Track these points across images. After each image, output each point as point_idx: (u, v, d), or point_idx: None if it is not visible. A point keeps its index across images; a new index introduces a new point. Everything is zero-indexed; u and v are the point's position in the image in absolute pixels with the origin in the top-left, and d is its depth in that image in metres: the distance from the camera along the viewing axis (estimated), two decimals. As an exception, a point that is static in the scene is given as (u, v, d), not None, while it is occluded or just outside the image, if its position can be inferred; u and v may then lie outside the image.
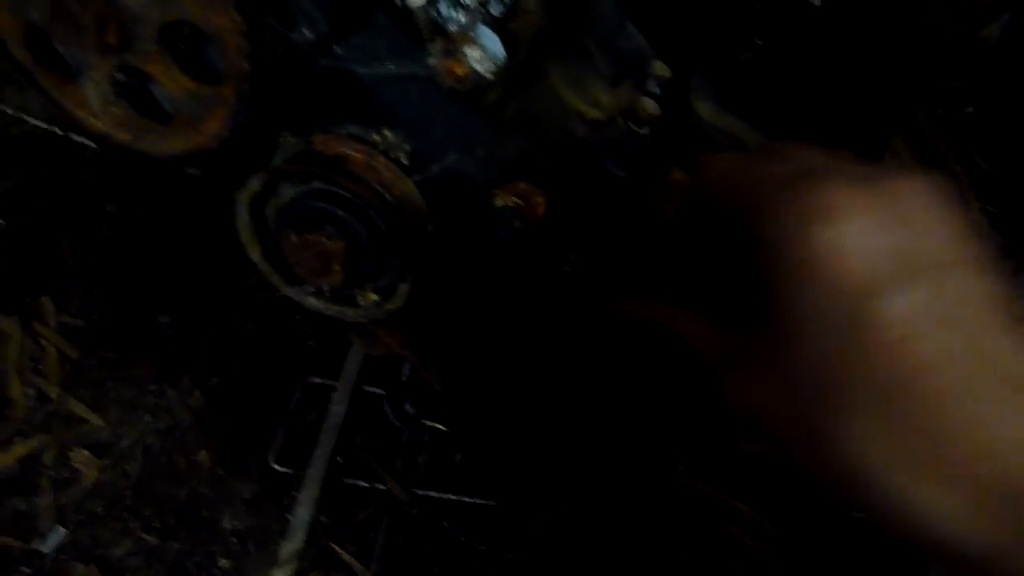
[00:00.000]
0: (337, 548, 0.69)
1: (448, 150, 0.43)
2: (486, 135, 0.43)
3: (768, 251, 0.28)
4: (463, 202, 0.45)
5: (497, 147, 0.43)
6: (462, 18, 0.39)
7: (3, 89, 1.15)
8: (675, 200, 0.45)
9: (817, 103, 0.48)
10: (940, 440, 0.25)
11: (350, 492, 0.73)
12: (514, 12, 0.41)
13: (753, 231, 0.29)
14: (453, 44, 0.39)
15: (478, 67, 0.39)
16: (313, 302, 0.49)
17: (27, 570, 0.66)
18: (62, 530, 0.68)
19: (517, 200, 0.45)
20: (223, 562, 0.67)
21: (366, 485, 0.73)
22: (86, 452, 0.74)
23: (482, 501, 0.71)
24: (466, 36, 0.39)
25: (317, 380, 0.81)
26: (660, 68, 0.45)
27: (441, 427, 0.76)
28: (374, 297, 0.49)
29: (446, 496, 0.72)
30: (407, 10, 0.40)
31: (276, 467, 0.74)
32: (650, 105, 0.44)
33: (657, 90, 0.44)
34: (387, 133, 0.43)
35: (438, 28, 0.40)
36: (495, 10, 0.40)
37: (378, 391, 0.80)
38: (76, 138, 1.07)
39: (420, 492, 0.72)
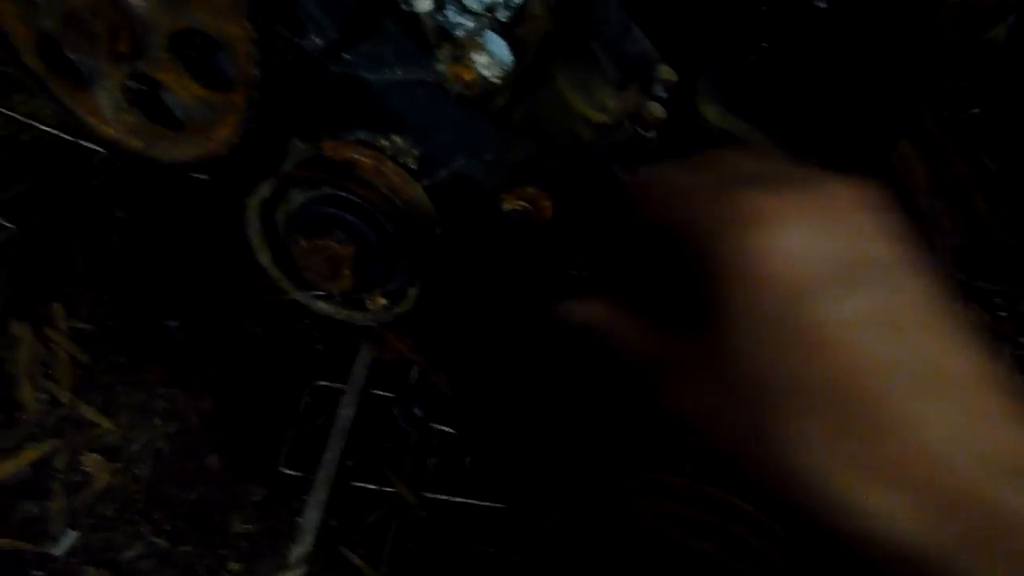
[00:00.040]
0: (346, 551, 0.69)
1: (456, 155, 0.44)
2: (494, 140, 0.43)
3: (704, 258, 0.28)
4: (471, 206, 0.45)
5: (505, 151, 0.44)
6: (469, 24, 0.40)
7: (12, 95, 1.16)
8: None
9: (823, 106, 0.48)
10: (881, 441, 0.25)
11: (359, 495, 0.73)
12: (521, 17, 0.41)
13: (688, 240, 0.29)
14: (461, 50, 0.39)
15: (486, 73, 0.39)
16: (323, 306, 0.49)
17: (39, 573, 0.67)
18: (73, 533, 0.69)
19: (525, 204, 0.45)
20: (233, 565, 0.68)
21: (375, 488, 0.74)
22: (97, 456, 0.74)
23: (491, 504, 0.71)
24: (474, 42, 0.39)
25: (326, 384, 0.82)
26: (666, 72, 0.45)
27: (450, 430, 0.76)
28: (383, 301, 0.49)
29: (455, 499, 0.72)
30: (415, 16, 0.40)
31: (285, 471, 0.75)
32: (656, 109, 0.45)
33: (663, 94, 0.45)
34: (396, 138, 0.44)
35: (446, 34, 0.40)
36: (502, 16, 0.40)
37: (387, 394, 0.80)
38: (86, 144, 1.08)
39: (429, 495, 0.72)
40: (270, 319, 0.87)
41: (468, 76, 0.39)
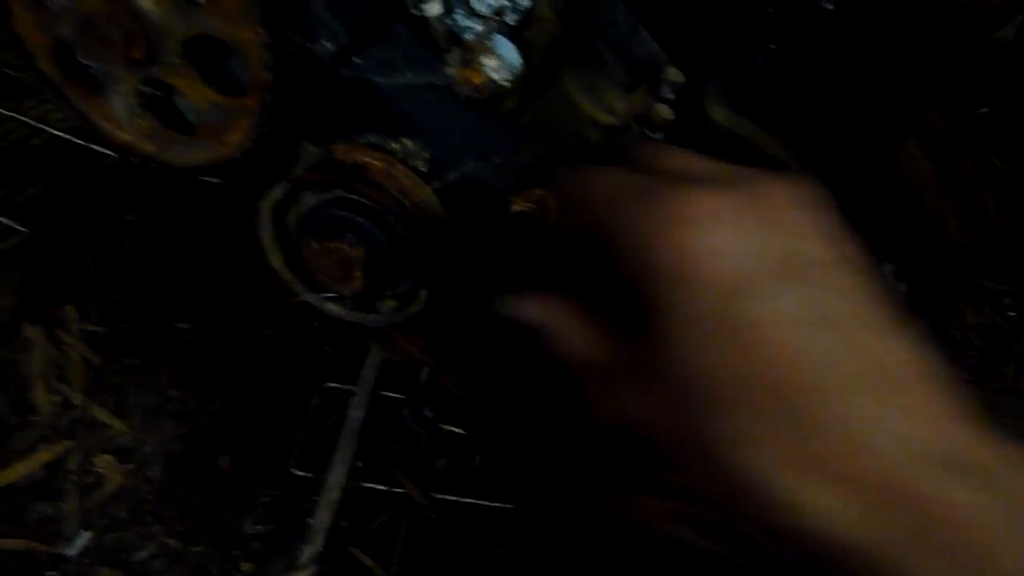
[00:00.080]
0: (357, 552, 0.70)
1: (466, 157, 0.44)
2: (503, 142, 0.44)
3: (637, 259, 0.28)
4: (481, 208, 0.45)
5: (513, 154, 0.44)
6: (478, 27, 0.40)
7: (24, 100, 1.17)
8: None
9: (831, 107, 0.48)
10: (818, 438, 0.25)
11: (369, 496, 0.74)
12: (529, 21, 0.41)
13: (622, 241, 0.29)
14: (470, 53, 0.40)
15: (495, 76, 0.40)
16: (334, 308, 0.50)
17: (53, 573, 0.67)
18: (87, 534, 0.69)
19: (533, 206, 0.45)
20: (245, 566, 0.68)
21: (385, 489, 0.74)
22: (109, 457, 0.75)
23: (500, 505, 0.71)
24: (483, 45, 0.40)
25: (335, 385, 0.82)
26: (674, 74, 0.45)
27: (459, 431, 0.76)
28: (393, 303, 0.49)
29: (464, 500, 0.72)
30: (424, 21, 0.41)
31: (296, 472, 0.75)
32: (664, 110, 0.45)
33: (671, 95, 0.45)
34: (406, 141, 0.44)
35: (455, 38, 0.40)
36: (511, 19, 0.40)
37: (396, 396, 0.80)
38: (96, 149, 1.09)
39: (439, 496, 0.73)
40: (280, 321, 0.87)
41: (477, 79, 0.40)
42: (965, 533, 0.22)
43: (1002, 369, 0.87)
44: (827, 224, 0.28)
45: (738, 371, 0.26)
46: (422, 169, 0.44)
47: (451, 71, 0.40)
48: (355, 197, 0.43)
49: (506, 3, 0.40)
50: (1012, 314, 0.91)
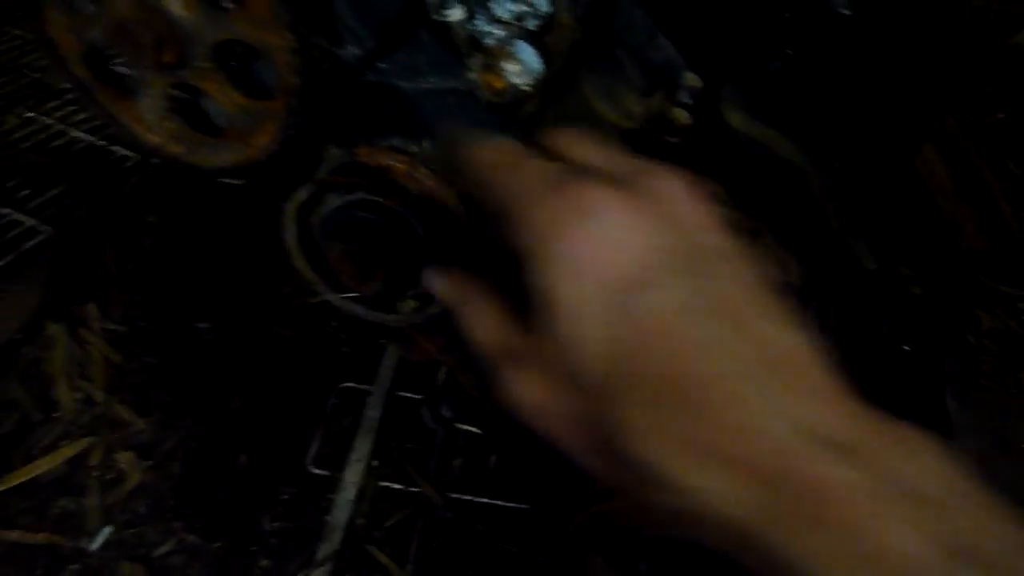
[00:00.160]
0: (373, 550, 0.70)
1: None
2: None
3: (532, 250, 0.29)
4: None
5: (533, 157, 0.45)
6: (500, 33, 0.41)
7: (47, 102, 1.19)
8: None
9: (848, 111, 0.48)
10: (711, 422, 0.25)
11: (385, 495, 0.74)
12: (549, 26, 0.42)
13: (517, 230, 0.29)
14: (492, 58, 0.40)
15: (516, 80, 0.40)
16: (355, 308, 0.50)
17: (75, 567, 0.68)
18: (108, 529, 0.70)
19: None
20: (263, 562, 0.69)
21: (401, 488, 0.75)
22: (130, 454, 0.76)
23: (516, 505, 0.72)
24: (504, 50, 0.40)
25: (352, 385, 0.83)
26: (691, 78, 0.45)
27: (475, 430, 0.77)
28: (413, 303, 0.50)
29: (480, 499, 0.73)
30: (447, 26, 0.41)
31: (313, 470, 0.76)
32: (681, 115, 0.45)
33: (688, 100, 0.45)
34: (428, 144, 0.45)
35: (477, 43, 0.41)
36: (531, 24, 0.41)
37: (412, 396, 0.81)
38: (118, 150, 1.11)
39: (454, 495, 0.73)
40: (298, 322, 0.88)
41: (499, 84, 0.40)
42: (840, 510, 0.23)
43: (1017, 375, 0.86)
44: (717, 216, 0.29)
45: (631, 360, 0.26)
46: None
47: (473, 75, 0.41)
48: (378, 199, 0.44)
49: (527, 9, 0.40)
50: (1028, 319, 0.90)
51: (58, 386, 0.81)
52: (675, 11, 0.45)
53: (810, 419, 0.25)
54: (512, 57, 0.40)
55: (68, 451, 0.76)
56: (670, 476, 0.26)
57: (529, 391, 0.30)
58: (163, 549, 0.70)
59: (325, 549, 0.70)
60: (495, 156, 0.32)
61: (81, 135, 1.14)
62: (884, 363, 0.52)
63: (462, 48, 0.42)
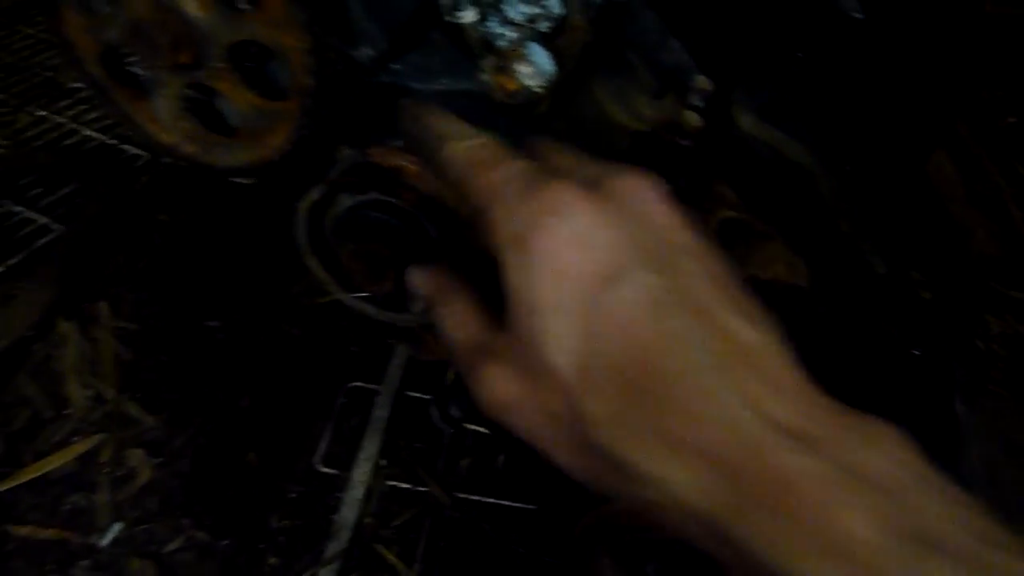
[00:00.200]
0: (381, 548, 0.70)
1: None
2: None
3: (505, 249, 0.30)
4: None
5: (545, 159, 0.45)
6: (512, 35, 0.41)
7: (58, 101, 1.20)
8: (719, 212, 0.46)
9: (859, 116, 0.48)
10: (677, 414, 0.26)
11: (393, 494, 0.75)
12: (561, 28, 0.42)
13: (492, 230, 0.30)
14: (504, 60, 0.41)
15: (529, 82, 0.40)
16: (366, 308, 0.51)
17: (85, 563, 0.69)
18: (118, 525, 0.71)
19: None
20: (271, 559, 0.69)
21: (409, 488, 0.75)
22: (140, 451, 0.76)
23: (524, 505, 0.72)
24: (517, 52, 0.41)
25: (361, 385, 0.83)
26: (702, 81, 0.45)
27: (484, 430, 0.77)
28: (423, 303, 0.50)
29: (488, 500, 0.73)
30: (460, 28, 0.41)
31: (321, 469, 0.76)
32: (692, 118, 0.45)
33: (699, 103, 0.45)
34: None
35: (489, 45, 0.41)
36: (543, 27, 0.41)
37: (420, 396, 0.81)
38: (129, 149, 1.11)
39: (462, 495, 0.74)
40: (308, 321, 0.89)
41: (511, 86, 0.41)
42: (801, 497, 0.23)
43: (1027, 380, 0.86)
44: (681, 215, 0.30)
45: (601, 354, 0.27)
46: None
47: (486, 77, 0.41)
48: (390, 199, 0.44)
49: (539, 11, 0.41)
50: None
51: (69, 383, 0.82)
52: (687, 14, 0.45)
53: (774, 410, 0.25)
54: (524, 59, 0.40)
55: (79, 448, 0.76)
56: (639, 467, 0.26)
57: (502, 387, 0.31)
58: (172, 546, 0.70)
59: (333, 548, 0.70)
60: (471, 155, 0.33)
61: (92, 134, 1.15)
62: (893, 367, 0.52)
63: (475, 50, 0.42)
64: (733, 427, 0.25)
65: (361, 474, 0.75)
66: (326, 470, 0.76)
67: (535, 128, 0.44)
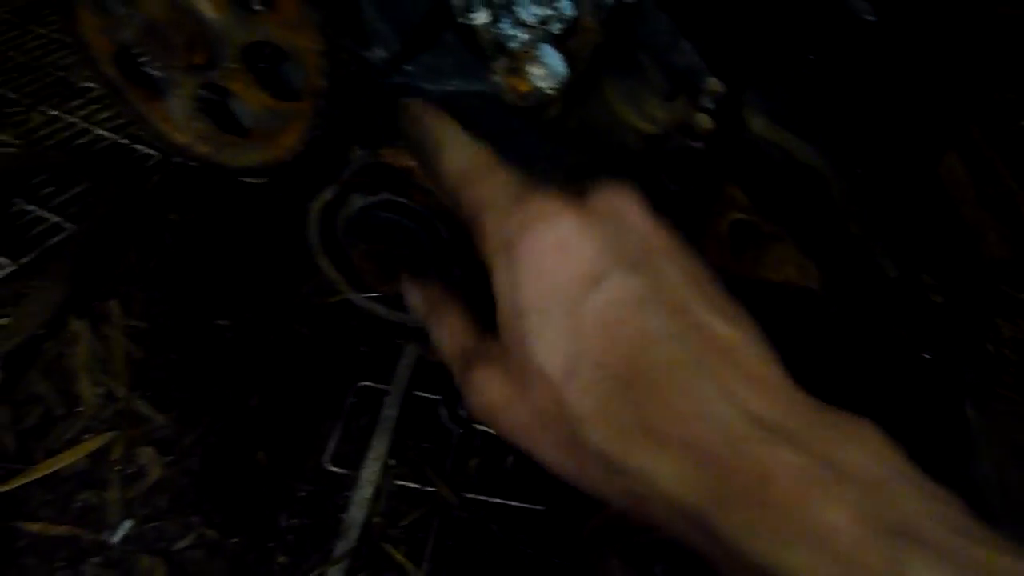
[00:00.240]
0: (389, 548, 0.71)
1: (509, 163, 0.45)
2: (546, 149, 0.45)
3: (495, 257, 0.31)
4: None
5: (556, 161, 0.45)
6: (524, 36, 0.41)
7: (70, 101, 1.20)
8: (729, 214, 0.46)
9: (870, 118, 0.48)
10: (661, 410, 0.27)
11: (402, 494, 0.75)
12: (573, 30, 0.42)
13: (483, 239, 0.32)
14: (516, 62, 0.41)
15: (541, 84, 0.41)
16: (377, 308, 0.51)
17: (96, 559, 0.69)
18: (128, 523, 0.71)
19: None
20: (280, 558, 0.70)
21: (417, 487, 0.75)
22: (151, 449, 0.77)
23: (532, 506, 0.72)
24: (529, 54, 0.41)
25: (370, 384, 0.83)
26: (714, 83, 0.45)
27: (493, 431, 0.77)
28: (434, 303, 0.50)
29: (496, 500, 0.73)
30: (472, 29, 0.42)
31: (330, 468, 0.76)
32: (704, 120, 0.45)
33: (711, 105, 0.45)
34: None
35: (501, 46, 0.41)
36: (555, 28, 0.41)
37: (429, 396, 0.81)
38: (140, 148, 1.12)
39: (470, 495, 0.74)
40: (317, 321, 0.89)
41: (523, 87, 0.41)
42: (780, 491, 0.24)
43: (1038, 384, 0.86)
44: (661, 222, 0.31)
45: (587, 353, 0.28)
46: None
47: (498, 79, 0.41)
48: (402, 200, 0.44)
49: (551, 13, 0.41)
50: (1050, 329, 0.89)
51: (80, 381, 0.82)
52: (698, 16, 0.45)
53: (751, 404, 0.26)
54: (536, 61, 0.41)
55: (90, 445, 0.77)
56: (626, 461, 0.27)
57: (492, 390, 0.32)
58: (182, 544, 0.70)
59: (342, 547, 0.70)
60: (464, 164, 0.35)
61: (104, 133, 1.15)
62: (904, 370, 0.52)
63: (487, 51, 0.42)
64: (713, 420, 0.26)
65: (370, 473, 0.75)
66: (335, 469, 0.76)
67: (547, 130, 0.44)
